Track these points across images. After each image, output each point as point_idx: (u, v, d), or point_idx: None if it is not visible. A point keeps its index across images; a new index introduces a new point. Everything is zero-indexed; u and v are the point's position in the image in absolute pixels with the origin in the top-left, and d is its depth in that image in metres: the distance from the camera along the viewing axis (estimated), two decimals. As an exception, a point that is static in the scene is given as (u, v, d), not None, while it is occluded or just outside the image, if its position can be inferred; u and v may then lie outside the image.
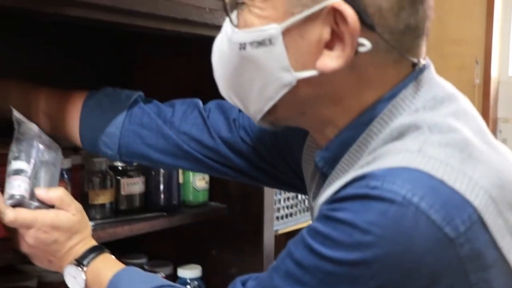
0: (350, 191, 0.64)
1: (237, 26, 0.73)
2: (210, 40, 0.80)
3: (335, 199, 0.65)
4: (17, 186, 0.89)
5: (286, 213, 1.75)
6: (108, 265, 0.93)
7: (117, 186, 1.19)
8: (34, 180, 0.91)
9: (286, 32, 0.69)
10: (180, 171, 1.29)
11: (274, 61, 0.71)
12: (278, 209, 1.72)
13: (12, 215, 0.87)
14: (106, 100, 1.04)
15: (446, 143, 0.65)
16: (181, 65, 1.44)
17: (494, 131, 2.35)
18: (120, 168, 1.20)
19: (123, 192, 1.20)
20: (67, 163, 1.09)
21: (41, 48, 1.33)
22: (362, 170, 0.65)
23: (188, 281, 1.36)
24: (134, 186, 1.22)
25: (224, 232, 1.41)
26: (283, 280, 0.68)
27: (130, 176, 1.21)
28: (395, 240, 0.60)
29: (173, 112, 1.02)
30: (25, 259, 0.94)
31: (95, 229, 1.06)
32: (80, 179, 1.13)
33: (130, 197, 1.22)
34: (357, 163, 0.70)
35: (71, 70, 1.39)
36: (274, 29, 0.69)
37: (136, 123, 1.01)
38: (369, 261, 0.61)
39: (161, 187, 1.27)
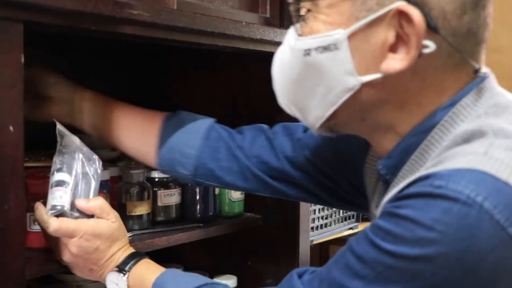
0: (414, 189, 0.65)
1: (301, 34, 0.75)
2: (246, 54, 0.81)
3: (399, 197, 0.66)
4: (59, 197, 0.90)
5: (321, 224, 1.76)
6: (149, 269, 0.94)
7: (154, 197, 1.21)
8: (75, 191, 0.93)
9: (351, 37, 0.71)
10: (216, 182, 1.30)
11: (338, 65, 0.72)
12: (313, 220, 1.72)
13: (56, 224, 0.88)
14: (185, 122, 1.08)
15: (511, 147, 0.66)
16: (217, 78, 1.46)
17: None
18: (157, 179, 1.22)
19: (160, 203, 1.22)
20: (106, 175, 1.10)
21: (81, 62, 1.36)
22: (427, 171, 0.66)
23: (224, 291, 1.37)
24: (171, 197, 1.24)
25: (259, 242, 1.42)
26: (341, 272, 0.69)
27: (167, 188, 1.23)
28: (458, 238, 0.61)
29: (243, 137, 1.07)
30: (67, 269, 0.96)
31: (133, 240, 1.08)
32: (118, 191, 1.15)
33: (167, 208, 1.23)
34: (419, 170, 0.71)
35: (108, 84, 1.42)
36: (339, 34, 0.71)
37: (213, 146, 1.06)
38: (431, 257, 0.61)
39: (197, 198, 1.28)
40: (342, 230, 1.87)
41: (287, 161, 1.03)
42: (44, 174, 0.96)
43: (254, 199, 1.41)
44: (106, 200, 1.04)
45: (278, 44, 1.19)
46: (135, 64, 1.54)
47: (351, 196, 1.00)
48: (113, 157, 1.25)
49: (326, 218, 1.78)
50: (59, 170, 0.92)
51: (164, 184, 1.23)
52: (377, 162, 0.81)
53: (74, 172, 0.93)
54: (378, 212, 0.77)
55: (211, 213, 1.30)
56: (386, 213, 0.67)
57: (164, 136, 1.06)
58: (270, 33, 1.18)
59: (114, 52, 1.41)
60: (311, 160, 1.01)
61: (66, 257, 0.93)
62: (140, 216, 1.16)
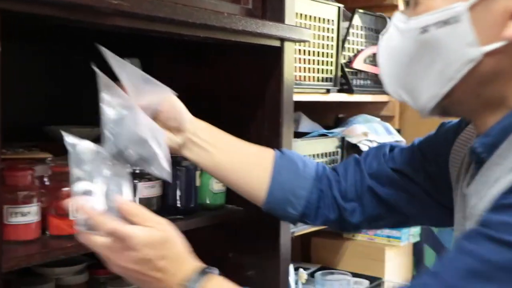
0: None
1: (414, 14, 0.77)
2: (229, 45, 0.80)
3: None
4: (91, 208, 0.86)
5: (302, 216, 1.75)
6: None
7: (135, 190, 1.19)
8: (104, 198, 0.88)
9: (471, 8, 0.72)
10: (198, 173, 1.30)
11: (459, 38, 0.73)
12: (295, 212, 1.71)
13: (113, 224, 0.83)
14: (296, 163, 1.09)
15: None
16: (200, 70, 1.45)
17: None
18: (137, 171, 1.20)
19: (140, 195, 1.21)
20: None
21: (58, 53, 1.34)
22: None
23: (205, 283, 1.37)
24: (151, 189, 1.22)
25: (241, 234, 1.41)
26: (466, 280, 0.66)
27: (147, 180, 1.21)
28: None
29: (343, 174, 1.10)
30: (45, 262, 0.94)
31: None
32: (98, 183, 1.14)
33: (147, 200, 1.22)
34: None
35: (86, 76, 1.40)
36: (460, 6, 0.73)
37: (321, 188, 1.08)
38: None
39: (178, 190, 1.27)
40: (323, 222, 1.87)
41: (369, 177, 1.06)
42: (22, 167, 0.95)
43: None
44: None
45: (260, 35, 1.19)
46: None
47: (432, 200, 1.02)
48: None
49: (308, 210, 1.78)
50: (79, 179, 0.87)
51: (144, 176, 1.21)
52: (467, 146, 0.84)
53: (98, 179, 0.88)
54: (469, 190, 0.80)
55: (192, 205, 1.29)
56: (500, 206, 0.67)
57: (277, 175, 1.07)
58: (252, 24, 1.17)
59: (92, 43, 1.39)
60: (397, 169, 1.04)
61: (117, 268, 0.86)
62: (121, 209, 1.15)
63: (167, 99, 1.02)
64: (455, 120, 1.02)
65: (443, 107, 0.80)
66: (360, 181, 1.08)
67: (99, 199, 0.86)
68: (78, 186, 0.87)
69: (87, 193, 0.87)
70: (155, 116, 1.00)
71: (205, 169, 1.09)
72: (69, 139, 0.89)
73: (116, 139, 0.91)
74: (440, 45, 0.75)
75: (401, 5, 2.32)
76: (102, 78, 0.90)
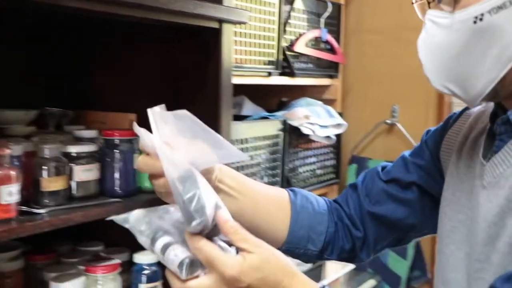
0: None
1: (455, 8, 0.79)
2: (166, 26, 0.79)
3: None
4: (174, 256, 0.82)
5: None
6: None
7: (71, 173, 1.17)
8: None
9: None
10: (135, 156, 1.28)
11: None
12: (236, 194, 1.72)
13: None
14: (310, 200, 1.10)
15: None
16: (144, 53, 1.43)
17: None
18: (74, 154, 1.18)
19: (77, 179, 1.18)
20: (18, 150, 1.06)
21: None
22: None
23: (145, 267, 1.36)
24: (88, 172, 1.20)
25: (181, 217, 1.41)
26: None
27: (84, 163, 1.19)
28: None
29: (345, 203, 1.13)
30: None
31: (48, 216, 1.05)
32: (32, 166, 1.11)
33: (84, 184, 1.20)
34: None
35: (24, 57, 1.37)
36: None
37: (335, 221, 1.10)
38: None
39: (117, 173, 1.25)
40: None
41: (369, 199, 1.10)
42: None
43: (175, 174, 1.40)
44: (18, 176, 1.01)
45: (197, 16, 1.19)
46: (55, 36, 1.48)
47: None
48: (27, 132, 1.20)
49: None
50: (155, 239, 0.85)
51: (81, 159, 1.19)
52: (461, 132, 0.92)
53: (173, 230, 0.85)
54: (494, 161, 0.84)
55: (131, 188, 1.28)
56: None
57: (296, 214, 1.07)
58: (189, 5, 1.16)
59: (31, 24, 1.35)
60: (392, 180, 1.09)
61: None
62: (56, 192, 1.13)
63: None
64: (437, 126, 1.09)
65: (495, 91, 0.82)
66: (359, 206, 1.11)
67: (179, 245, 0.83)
68: (157, 248, 0.84)
69: (166, 246, 0.83)
70: None
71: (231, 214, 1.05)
72: (135, 216, 0.90)
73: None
74: (496, 30, 0.77)
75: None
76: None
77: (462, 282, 0.88)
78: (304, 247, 1.08)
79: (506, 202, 0.80)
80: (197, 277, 0.80)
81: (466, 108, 1.03)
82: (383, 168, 1.12)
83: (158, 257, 0.84)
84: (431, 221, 1.06)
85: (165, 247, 0.82)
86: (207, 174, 0.92)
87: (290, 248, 1.08)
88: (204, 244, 0.79)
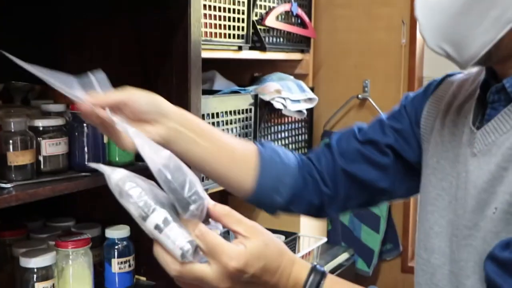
0: None
1: None
2: None
3: None
4: (177, 235, 0.73)
5: (216, 173, 1.76)
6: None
7: (38, 147, 1.16)
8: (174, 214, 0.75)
9: None
10: (105, 131, 1.28)
11: None
12: (208, 169, 1.72)
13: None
14: (279, 153, 1.08)
15: None
16: (109, 23, 1.41)
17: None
18: (41, 128, 1.17)
19: (45, 153, 1.17)
20: (-17, 124, 1.05)
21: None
22: None
23: (117, 241, 1.36)
24: (56, 146, 1.19)
25: (152, 191, 1.41)
26: None
27: (52, 137, 1.18)
28: None
29: (317, 159, 1.10)
30: None
31: (15, 191, 1.04)
32: (-2, 140, 1.10)
33: (52, 158, 1.19)
34: None
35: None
36: None
37: (304, 174, 1.08)
38: None
39: (86, 147, 1.24)
40: (238, 179, 1.90)
41: (343, 157, 1.08)
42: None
43: (146, 148, 1.39)
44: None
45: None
46: (21, 8, 1.46)
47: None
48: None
49: (221, 167, 1.79)
50: (148, 213, 0.74)
51: (48, 133, 1.18)
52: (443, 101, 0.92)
53: (160, 200, 0.75)
54: (487, 129, 0.84)
55: (100, 162, 1.27)
56: None
57: (264, 166, 1.05)
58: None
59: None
60: (367, 141, 1.07)
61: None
62: (23, 166, 1.11)
63: (132, 91, 0.94)
64: (419, 89, 1.08)
65: (489, 54, 0.81)
66: (332, 164, 1.09)
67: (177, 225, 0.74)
68: (152, 221, 0.74)
69: (165, 223, 0.73)
70: (122, 111, 0.92)
71: (191, 162, 0.99)
72: (105, 169, 0.76)
73: None
74: None
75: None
76: None
77: (445, 249, 0.89)
78: (270, 198, 1.06)
79: (497, 169, 0.81)
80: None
81: (447, 76, 1.03)
82: (360, 129, 1.11)
83: (147, 230, 0.74)
84: (403, 186, 1.07)
85: (164, 223, 0.73)
86: (154, 116, 0.93)
87: (257, 198, 1.06)
88: (206, 231, 0.73)
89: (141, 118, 0.93)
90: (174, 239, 0.73)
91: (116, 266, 1.35)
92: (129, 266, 1.37)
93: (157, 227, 0.73)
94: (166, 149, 0.77)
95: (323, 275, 0.79)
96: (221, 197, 2.36)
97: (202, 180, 1.51)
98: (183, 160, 0.80)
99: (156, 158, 0.75)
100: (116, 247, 1.36)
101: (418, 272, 0.97)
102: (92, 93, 0.88)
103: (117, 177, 0.76)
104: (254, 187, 1.05)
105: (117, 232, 1.36)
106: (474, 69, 0.97)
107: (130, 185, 0.75)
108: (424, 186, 0.97)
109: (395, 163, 1.06)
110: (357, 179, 1.08)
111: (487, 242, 0.79)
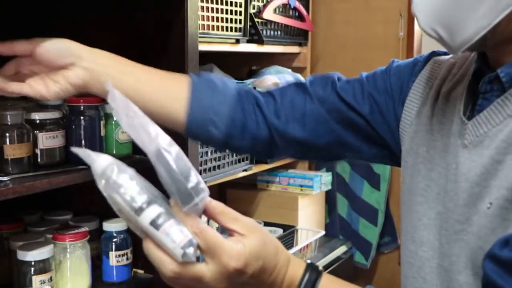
0: None
1: None
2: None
3: None
4: (176, 233, 0.66)
5: (213, 165, 1.77)
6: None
7: (35, 140, 1.16)
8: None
9: None
10: (102, 123, 1.27)
11: None
12: (206, 162, 1.72)
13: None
14: (215, 82, 1.03)
15: None
16: (102, 20, 1.41)
17: (417, 83, 2.43)
18: (38, 121, 1.17)
19: (42, 146, 1.17)
20: (-20, 117, 1.05)
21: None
22: None
23: (114, 234, 1.36)
24: (53, 139, 1.19)
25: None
26: None
27: (48, 130, 1.18)
28: None
29: (279, 94, 1.05)
30: None
31: (12, 184, 1.04)
32: (-5, 133, 1.10)
33: (49, 151, 1.19)
34: None
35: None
36: None
37: (244, 105, 1.03)
38: None
39: (83, 140, 1.24)
40: (236, 172, 1.90)
41: (319, 101, 1.02)
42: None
43: (143, 141, 1.39)
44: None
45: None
46: (17, 4, 1.45)
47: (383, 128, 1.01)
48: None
49: (219, 160, 1.80)
50: (142, 206, 0.66)
51: (45, 126, 1.18)
52: (432, 83, 0.88)
53: (152, 192, 0.69)
54: (479, 119, 0.81)
55: (97, 155, 1.27)
56: None
57: (195, 95, 0.99)
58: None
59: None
60: (344, 101, 1.02)
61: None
62: (20, 160, 1.11)
63: (39, 40, 0.95)
64: (407, 60, 1.03)
65: (484, 39, 0.78)
66: (303, 102, 1.02)
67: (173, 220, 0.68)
68: (147, 215, 0.66)
69: (163, 218, 0.66)
70: (33, 62, 0.95)
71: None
72: (90, 155, 0.68)
73: None
74: None
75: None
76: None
77: (434, 241, 0.86)
78: (206, 131, 1.00)
79: (491, 162, 0.78)
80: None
81: (434, 54, 1.00)
82: (339, 79, 1.05)
83: (139, 225, 0.67)
84: (371, 151, 1.04)
85: (162, 218, 0.66)
86: (76, 60, 0.95)
87: (192, 132, 1.01)
88: (205, 228, 0.68)
89: (56, 65, 0.94)
90: (174, 237, 0.66)
91: (114, 259, 1.35)
92: (127, 259, 1.37)
93: (153, 222, 0.66)
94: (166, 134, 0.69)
95: (318, 273, 0.77)
96: (219, 190, 2.37)
97: (200, 173, 1.51)
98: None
99: (161, 138, 0.67)
100: (114, 240, 1.36)
101: (404, 265, 0.93)
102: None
103: (104, 164, 0.67)
104: (187, 119, 1.00)
105: (115, 225, 1.36)
106: (463, 56, 0.94)
107: (119, 173, 0.67)
108: (413, 176, 0.93)
109: (366, 130, 1.02)
110: (328, 128, 1.02)
111: (481, 237, 0.77)
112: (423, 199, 0.89)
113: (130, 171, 0.69)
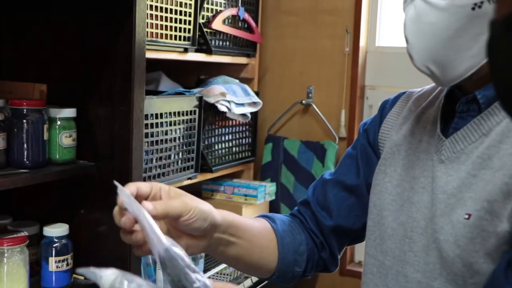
0: None
1: None
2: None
3: None
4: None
5: (158, 172, 1.77)
6: None
7: (-24, 142, 1.15)
8: None
9: None
10: (45, 127, 1.26)
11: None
12: (150, 169, 1.73)
13: None
14: (286, 222, 1.09)
15: None
16: (49, 28, 1.40)
17: (361, 98, 2.49)
18: (-22, 123, 1.16)
19: (-18, 149, 1.16)
20: None
21: None
22: None
23: (55, 239, 1.35)
24: (-6, 142, 1.18)
25: (92, 190, 1.40)
26: None
27: (-11, 132, 1.17)
28: None
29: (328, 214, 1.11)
30: None
31: (-51, 185, 1.03)
32: None
33: (-10, 154, 1.18)
34: None
35: None
36: None
37: (309, 235, 1.10)
38: None
39: (25, 143, 1.23)
40: (180, 180, 1.90)
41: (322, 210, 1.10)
42: None
43: (86, 146, 1.39)
44: None
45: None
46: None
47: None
48: None
49: (164, 167, 1.80)
50: None
51: (-14, 128, 1.17)
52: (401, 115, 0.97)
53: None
54: (456, 137, 0.88)
55: (40, 159, 1.26)
56: None
57: (281, 241, 1.06)
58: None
59: None
60: (338, 181, 1.09)
61: None
62: (-41, 162, 1.10)
63: (190, 204, 0.86)
64: (371, 117, 1.11)
65: (471, 75, 0.84)
66: (315, 220, 1.11)
67: None
68: None
69: None
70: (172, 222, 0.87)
71: (224, 260, 1.01)
72: (95, 271, 0.69)
73: None
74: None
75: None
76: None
77: (395, 250, 0.93)
78: (291, 271, 1.08)
79: (467, 175, 0.84)
80: None
81: (402, 94, 1.08)
82: (330, 175, 1.13)
83: None
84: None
85: None
86: (200, 222, 0.85)
87: (281, 274, 1.08)
88: None
89: (190, 233, 0.87)
90: None
91: (54, 264, 1.34)
92: (67, 264, 1.36)
93: None
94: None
95: None
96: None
97: (144, 180, 1.51)
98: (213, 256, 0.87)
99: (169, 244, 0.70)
100: (54, 245, 1.35)
101: (368, 275, 0.99)
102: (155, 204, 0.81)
103: (111, 277, 0.68)
104: (278, 265, 1.06)
105: (56, 230, 1.35)
106: (428, 87, 1.02)
107: (129, 284, 0.68)
108: (380, 193, 0.99)
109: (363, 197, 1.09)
110: (343, 228, 1.10)
111: (460, 246, 0.82)
112: (388, 213, 0.96)
113: (138, 280, 0.70)
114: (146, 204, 0.79)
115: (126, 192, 0.78)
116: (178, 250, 0.70)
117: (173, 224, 0.84)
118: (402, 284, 0.92)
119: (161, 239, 0.70)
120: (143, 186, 0.84)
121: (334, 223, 1.09)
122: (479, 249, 0.81)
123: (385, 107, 1.08)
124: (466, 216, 0.82)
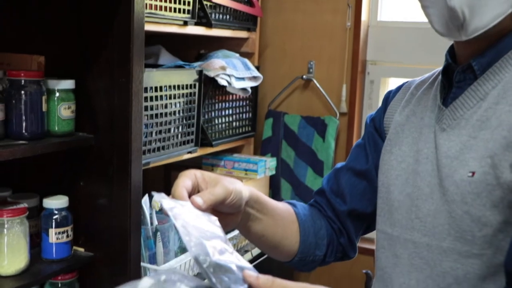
0: None
1: None
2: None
3: None
4: None
5: (158, 146, 1.77)
6: None
7: (-26, 113, 1.14)
8: None
9: None
10: (44, 98, 1.26)
11: None
12: (150, 142, 1.72)
13: None
14: (306, 207, 1.14)
15: None
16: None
17: (362, 73, 2.47)
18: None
19: (-20, 120, 1.16)
20: None
21: None
22: None
23: (55, 211, 1.36)
24: (-8, 113, 1.18)
25: (91, 162, 1.40)
26: None
27: (-12, 103, 1.16)
28: None
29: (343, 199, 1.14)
30: None
31: None
32: None
33: (-12, 125, 1.17)
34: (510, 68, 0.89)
35: None
36: None
37: (328, 221, 1.15)
38: None
39: (23, 114, 1.23)
40: (180, 154, 1.90)
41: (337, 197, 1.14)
42: None
43: (86, 118, 1.38)
44: None
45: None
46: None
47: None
48: None
49: (164, 141, 1.80)
50: None
51: (-16, 99, 1.16)
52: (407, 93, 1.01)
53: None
54: (455, 104, 0.93)
55: (38, 131, 1.26)
56: None
57: (303, 224, 1.10)
58: None
59: None
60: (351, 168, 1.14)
61: None
62: (-43, 132, 1.10)
63: (229, 187, 0.89)
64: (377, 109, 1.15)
65: (494, 27, 0.88)
66: (331, 208, 1.15)
67: None
68: None
69: None
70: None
71: (249, 235, 1.04)
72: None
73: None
74: None
75: None
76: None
77: (402, 221, 0.98)
78: (312, 254, 1.11)
79: (468, 138, 0.90)
80: None
81: (403, 84, 1.12)
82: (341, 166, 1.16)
83: None
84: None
85: None
86: (239, 200, 0.91)
87: (302, 257, 1.11)
88: None
89: (228, 211, 0.92)
90: None
91: (54, 236, 1.35)
92: (67, 236, 1.37)
93: None
94: None
95: None
96: (164, 172, 2.37)
97: (144, 153, 1.50)
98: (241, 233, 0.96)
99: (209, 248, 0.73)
100: (54, 217, 1.35)
101: (380, 250, 1.03)
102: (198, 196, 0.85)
103: (147, 285, 0.70)
104: (300, 247, 1.10)
105: (55, 202, 1.36)
106: (428, 74, 1.08)
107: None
108: (387, 172, 1.04)
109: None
110: (360, 213, 1.13)
111: (467, 203, 0.87)
112: (394, 188, 1.01)
113: (177, 276, 0.71)
114: (196, 199, 0.83)
115: (167, 200, 0.79)
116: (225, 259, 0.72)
117: (213, 207, 0.87)
118: (411, 251, 0.96)
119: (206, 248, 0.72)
120: (187, 184, 0.86)
121: (348, 208, 1.12)
122: (485, 202, 0.85)
123: (389, 97, 1.13)
124: (470, 174, 0.87)
